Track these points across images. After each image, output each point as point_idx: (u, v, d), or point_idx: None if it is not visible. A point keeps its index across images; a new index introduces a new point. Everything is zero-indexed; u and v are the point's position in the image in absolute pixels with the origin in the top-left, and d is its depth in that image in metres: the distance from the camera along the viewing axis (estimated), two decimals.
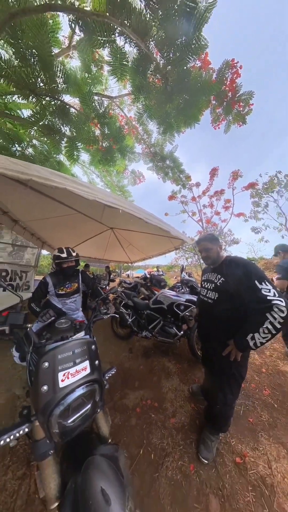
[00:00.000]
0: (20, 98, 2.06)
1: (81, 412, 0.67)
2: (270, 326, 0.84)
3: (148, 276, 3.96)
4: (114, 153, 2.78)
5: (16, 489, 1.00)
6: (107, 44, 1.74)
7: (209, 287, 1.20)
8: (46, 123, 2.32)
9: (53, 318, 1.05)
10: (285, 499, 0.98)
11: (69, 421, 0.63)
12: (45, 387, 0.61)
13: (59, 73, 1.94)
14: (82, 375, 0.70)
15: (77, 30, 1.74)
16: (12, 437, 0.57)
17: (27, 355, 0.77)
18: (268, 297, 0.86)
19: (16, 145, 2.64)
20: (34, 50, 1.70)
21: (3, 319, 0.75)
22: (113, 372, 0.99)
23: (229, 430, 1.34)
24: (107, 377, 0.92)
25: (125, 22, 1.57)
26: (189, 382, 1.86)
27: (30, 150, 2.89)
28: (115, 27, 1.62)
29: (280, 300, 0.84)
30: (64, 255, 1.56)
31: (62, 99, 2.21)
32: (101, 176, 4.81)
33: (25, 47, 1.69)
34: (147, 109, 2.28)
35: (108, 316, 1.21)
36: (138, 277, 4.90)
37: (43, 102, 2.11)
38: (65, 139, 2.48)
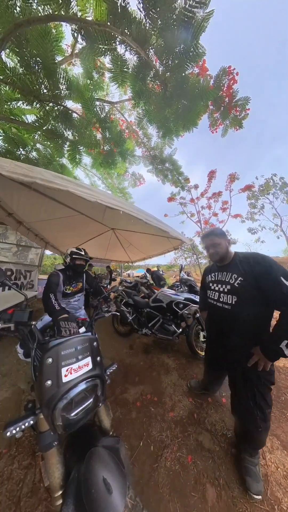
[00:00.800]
0: (25, 104, 2.13)
1: (83, 406, 0.69)
2: None
3: (149, 274, 4.03)
4: (115, 156, 2.84)
5: (22, 477, 1.05)
6: (108, 52, 1.80)
7: (222, 290, 1.03)
8: (49, 127, 2.38)
9: (74, 331, 0.96)
10: (278, 487, 1.02)
11: (72, 414, 0.66)
12: (49, 382, 0.64)
13: (62, 79, 2.01)
14: (84, 370, 0.72)
15: (79, 39, 1.81)
16: (18, 429, 0.60)
17: (32, 351, 0.80)
18: None
19: (21, 149, 2.72)
20: (38, 58, 1.77)
21: (8, 316, 0.77)
22: (114, 368, 1.02)
23: (225, 422, 1.39)
24: (108, 373, 0.95)
25: (126, 31, 1.64)
26: (188, 377, 1.90)
27: (34, 153, 2.97)
28: (116, 36, 1.69)
29: None
30: (82, 252, 1.73)
31: (65, 104, 2.27)
32: (103, 179, 4.88)
33: (29, 56, 1.76)
34: (147, 114, 2.35)
35: (109, 314, 1.23)
36: (138, 276, 4.96)
37: (47, 107, 2.19)
38: (67, 143, 2.55)
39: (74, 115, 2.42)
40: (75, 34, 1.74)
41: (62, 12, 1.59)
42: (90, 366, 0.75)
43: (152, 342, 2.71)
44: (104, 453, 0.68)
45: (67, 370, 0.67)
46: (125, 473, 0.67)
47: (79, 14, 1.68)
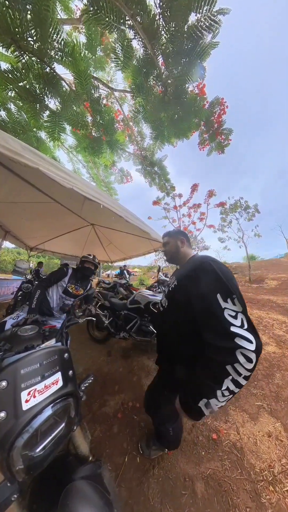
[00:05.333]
0: None
1: (53, 435, 0.57)
2: (232, 386, 0.54)
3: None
4: (102, 144, 2.62)
5: None
6: (115, 29, 1.64)
7: (165, 291, 1.00)
8: (26, 86, 1.88)
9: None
10: (251, 455, 1.21)
11: (38, 449, 0.52)
12: (1, 414, 0.49)
13: (55, 35, 1.63)
14: (53, 390, 0.60)
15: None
16: None
17: None
18: (232, 329, 0.54)
19: None
20: None
21: None
22: (91, 380, 0.88)
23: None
24: (83, 388, 0.81)
25: (137, 18, 1.56)
26: None
27: (2, 113, 2.29)
28: (126, 18, 1.57)
29: (247, 339, 0.52)
30: (91, 257, 1.93)
31: (54, 67, 1.87)
32: (88, 167, 4.38)
33: None
34: (143, 111, 2.33)
35: (84, 319, 1.13)
36: (117, 276, 4.76)
37: (28, 61, 1.71)
38: (47, 112, 2.10)
39: (63, 83, 2.03)
40: None
41: None
42: (61, 384, 0.63)
43: (131, 345, 2.64)
44: (83, 486, 0.59)
45: (28, 394, 0.54)
46: (111, 499, 0.60)
47: None
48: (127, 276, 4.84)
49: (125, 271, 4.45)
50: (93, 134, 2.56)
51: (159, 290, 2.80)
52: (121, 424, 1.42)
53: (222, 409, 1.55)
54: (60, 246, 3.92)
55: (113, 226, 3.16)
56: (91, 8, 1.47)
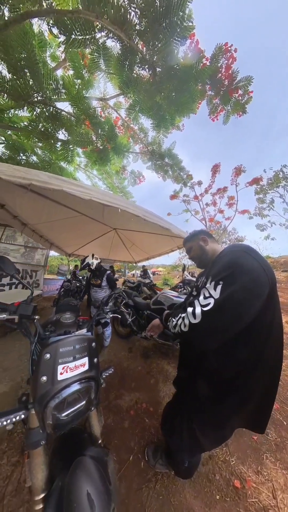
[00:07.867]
0: (17, 110, 2.19)
1: (75, 407, 0.68)
2: (178, 322, 0.71)
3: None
4: (108, 152, 2.80)
5: (9, 474, 1.03)
6: (88, 42, 1.71)
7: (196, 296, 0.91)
8: (42, 130, 2.44)
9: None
10: None
11: (63, 414, 0.64)
12: (44, 378, 0.63)
13: (48, 79, 1.99)
14: (80, 370, 0.71)
15: (56, 33, 1.74)
16: (9, 421, 0.59)
17: (32, 345, 0.79)
18: (196, 301, 0.65)
19: (21, 154, 2.87)
20: (23, 62, 1.77)
21: (14, 309, 0.78)
22: (111, 371, 0.99)
23: (228, 445, 1.20)
24: (104, 376, 0.92)
25: (104, 15, 1.54)
26: None
27: (34, 158, 3.10)
28: (94, 23, 1.59)
29: (194, 314, 0.63)
30: (85, 262, 2.32)
31: (54, 104, 2.28)
32: (103, 179, 4.86)
33: (15, 59, 1.77)
34: (137, 103, 2.22)
35: (111, 316, 1.20)
36: (140, 276, 4.91)
37: (38, 110, 2.22)
38: (59, 143, 2.58)
39: (63, 113, 2.40)
40: (52, 30, 1.69)
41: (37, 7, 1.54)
42: (87, 367, 0.74)
43: (152, 346, 2.59)
44: (90, 465, 0.66)
45: (63, 368, 0.67)
46: (111, 489, 0.65)
47: (54, 4, 1.62)
48: (151, 275, 4.80)
49: (148, 271, 4.49)
50: (99, 146, 2.80)
51: (184, 291, 2.54)
52: (133, 422, 1.42)
53: (254, 454, 1.16)
54: (91, 250, 4.63)
55: (133, 228, 3.27)
56: (64, 37, 1.62)
